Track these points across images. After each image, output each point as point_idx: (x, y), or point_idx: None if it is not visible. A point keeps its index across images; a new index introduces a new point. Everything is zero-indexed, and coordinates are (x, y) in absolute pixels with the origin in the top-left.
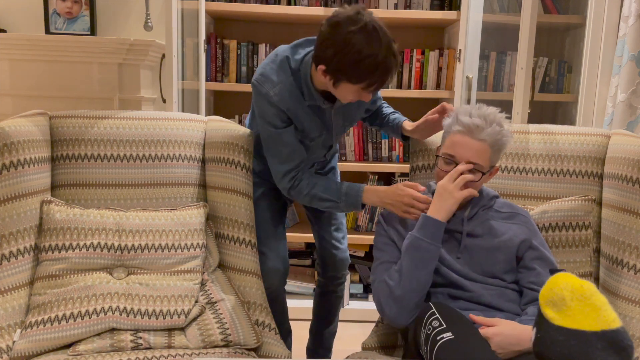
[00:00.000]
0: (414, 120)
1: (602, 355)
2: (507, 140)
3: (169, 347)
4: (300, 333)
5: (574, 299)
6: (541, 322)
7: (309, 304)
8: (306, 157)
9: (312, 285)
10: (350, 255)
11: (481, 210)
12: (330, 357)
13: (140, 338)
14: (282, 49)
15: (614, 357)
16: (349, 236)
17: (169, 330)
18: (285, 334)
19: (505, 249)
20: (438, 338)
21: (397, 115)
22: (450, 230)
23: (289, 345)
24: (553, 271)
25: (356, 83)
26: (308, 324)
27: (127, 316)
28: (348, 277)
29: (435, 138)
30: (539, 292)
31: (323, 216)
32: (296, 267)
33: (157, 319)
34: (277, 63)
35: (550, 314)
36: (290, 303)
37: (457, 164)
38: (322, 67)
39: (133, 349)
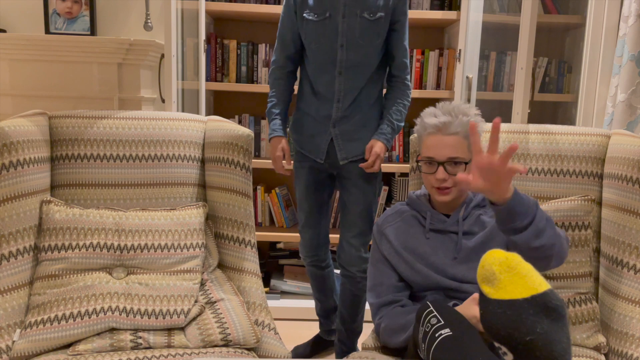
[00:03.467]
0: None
1: (535, 319)
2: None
3: (169, 346)
4: (301, 333)
5: (502, 272)
6: (481, 299)
7: (308, 304)
8: (283, 59)
9: None
10: None
11: (474, 209)
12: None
13: (140, 338)
14: None
15: (546, 319)
16: None
17: (169, 329)
18: (331, 310)
19: (498, 235)
20: (436, 335)
21: (382, 128)
22: (447, 231)
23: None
24: None
25: None
26: (307, 324)
27: (127, 316)
28: None
29: None
30: None
31: (346, 219)
32: (296, 267)
33: (156, 318)
34: None
35: (487, 289)
36: (290, 303)
37: (438, 164)
38: None
39: (133, 348)
